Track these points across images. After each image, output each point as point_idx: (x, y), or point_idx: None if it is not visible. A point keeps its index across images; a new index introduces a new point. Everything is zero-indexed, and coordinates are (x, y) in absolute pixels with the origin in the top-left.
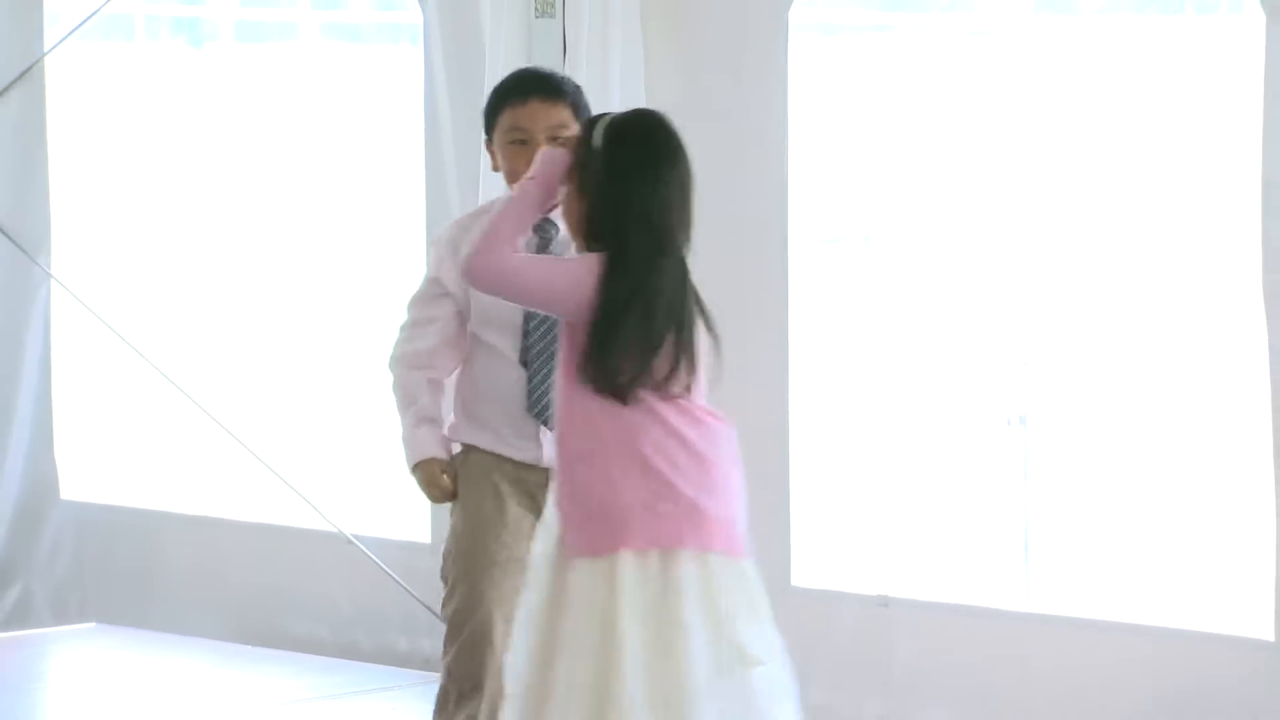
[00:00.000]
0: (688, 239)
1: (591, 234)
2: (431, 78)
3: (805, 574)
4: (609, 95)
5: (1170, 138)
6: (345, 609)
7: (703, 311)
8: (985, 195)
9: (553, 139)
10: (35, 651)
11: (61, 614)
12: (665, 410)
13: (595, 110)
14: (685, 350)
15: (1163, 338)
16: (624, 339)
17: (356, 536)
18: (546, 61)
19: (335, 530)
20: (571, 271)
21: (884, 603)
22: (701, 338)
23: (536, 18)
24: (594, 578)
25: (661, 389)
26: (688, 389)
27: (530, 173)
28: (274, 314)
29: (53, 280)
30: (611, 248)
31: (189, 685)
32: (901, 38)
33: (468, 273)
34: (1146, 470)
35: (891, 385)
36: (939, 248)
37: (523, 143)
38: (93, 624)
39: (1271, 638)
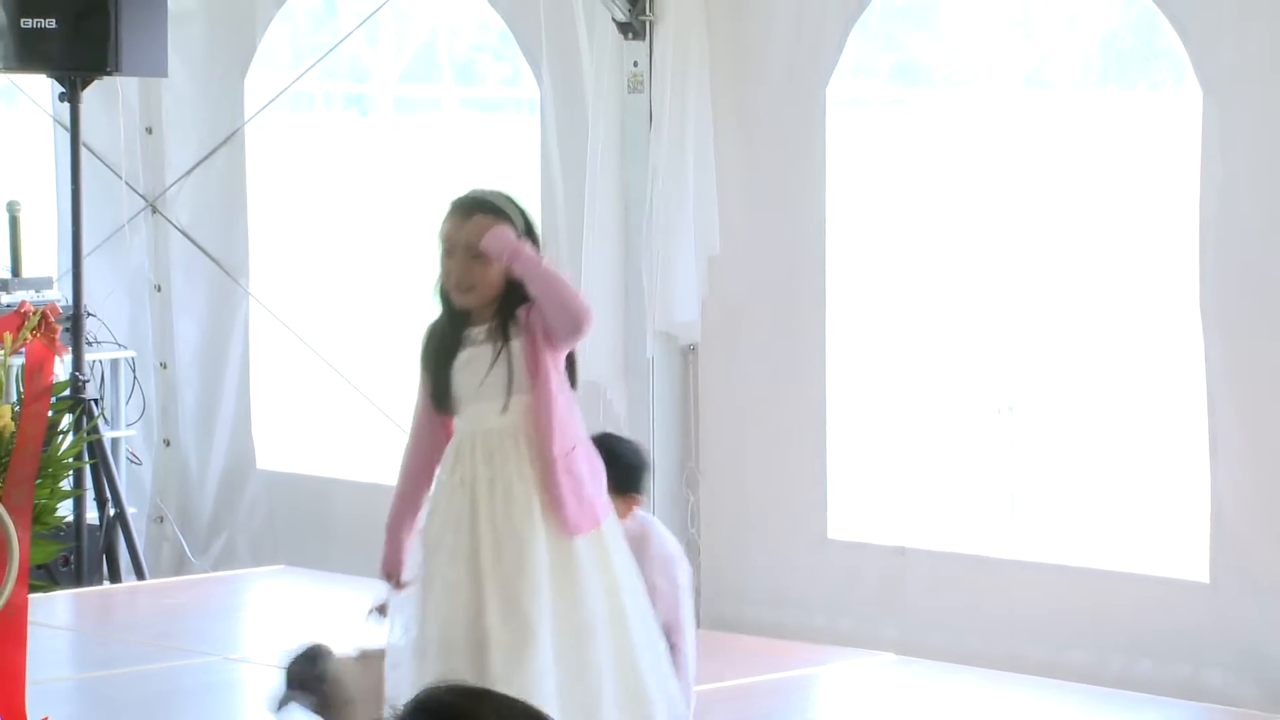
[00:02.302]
0: None
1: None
2: (546, 141)
3: (839, 528)
4: (685, 153)
5: (1127, 186)
6: None
7: None
8: (981, 231)
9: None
10: (237, 587)
11: (258, 558)
12: None
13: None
14: None
15: (1120, 341)
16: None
17: None
18: (634, 127)
19: None
20: None
21: (901, 552)
22: None
23: (629, 93)
24: (592, 546)
25: None
26: None
27: (525, 251)
28: (415, 322)
29: (251, 298)
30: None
31: (358, 614)
32: (915, 108)
33: (589, 318)
34: (1106, 445)
35: (909, 376)
36: (944, 270)
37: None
38: (282, 566)
39: (1206, 580)
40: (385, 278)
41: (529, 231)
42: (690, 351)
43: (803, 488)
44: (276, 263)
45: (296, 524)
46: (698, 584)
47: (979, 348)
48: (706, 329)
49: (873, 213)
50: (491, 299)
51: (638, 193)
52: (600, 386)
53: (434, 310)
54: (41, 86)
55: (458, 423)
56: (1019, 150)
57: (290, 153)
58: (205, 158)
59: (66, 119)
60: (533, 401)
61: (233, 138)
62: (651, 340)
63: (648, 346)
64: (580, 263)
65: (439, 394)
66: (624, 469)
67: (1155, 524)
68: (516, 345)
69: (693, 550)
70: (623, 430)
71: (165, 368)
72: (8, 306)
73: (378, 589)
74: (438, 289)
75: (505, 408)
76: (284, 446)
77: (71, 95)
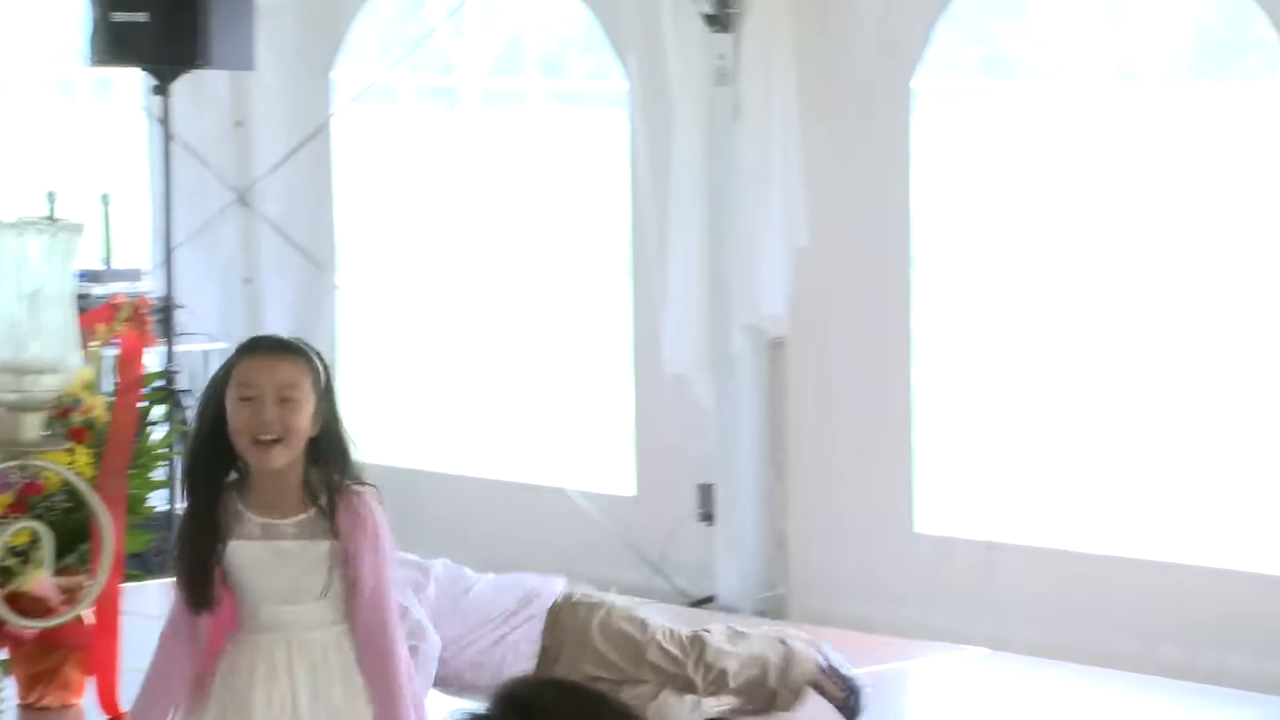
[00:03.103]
0: None
1: None
2: (633, 134)
3: (926, 523)
4: (771, 145)
5: (1219, 179)
6: (565, 546)
7: None
8: (1068, 224)
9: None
10: None
11: None
12: None
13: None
14: None
15: (1211, 335)
16: None
17: (573, 490)
18: (721, 120)
19: (555, 487)
20: None
21: (989, 547)
22: None
23: (715, 86)
24: None
25: None
26: None
27: None
28: (501, 314)
29: (339, 290)
30: None
31: None
32: (1003, 100)
33: None
34: (1199, 439)
35: (995, 369)
36: (1031, 262)
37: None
38: None
39: None
40: (472, 270)
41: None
42: (777, 345)
43: (890, 482)
44: (364, 255)
45: (385, 514)
46: (787, 577)
47: (1066, 341)
48: (794, 322)
49: (959, 205)
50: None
51: (724, 186)
52: (687, 380)
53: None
54: (133, 80)
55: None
56: (1108, 143)
57: (377, 145)
58: (293, 151)
59: (158, 112)
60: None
61: (320, 131)
62: (739, 333)
63: (735, 339)
64: (666, 256)
65: None
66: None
67: (1250, 519)
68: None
69: (781, 543)
70: (709, 424)
71: None
72: (100, 298)
73: None
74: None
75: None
76: (371, 438)
77: (162, 89)
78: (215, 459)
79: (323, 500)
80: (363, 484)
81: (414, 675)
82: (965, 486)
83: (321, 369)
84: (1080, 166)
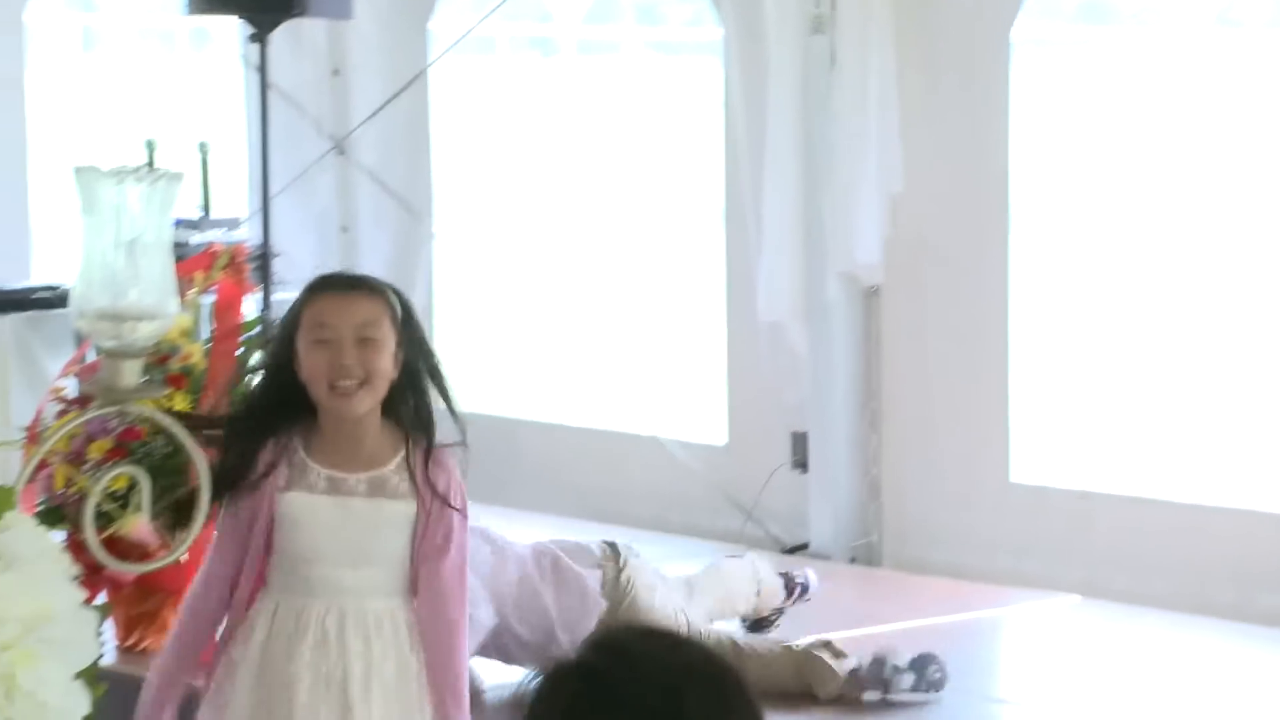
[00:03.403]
0: None
1: None
2: (728, 82)
3: (1021, 473)
4: (867, 93)
5: None
6: (659, 494)
7: None
8: (1166, 172)
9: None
10: None
11: None
12: None
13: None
14: None
15: None
16: None
17: (666, 439)
18: (817, 68)
19: (649, 435)
20: None
21: (1085, 497)
22: None
23: (811, 35)
24: None
25: None
26: None
27: None
28: (596, 263)
29: (434, 238)
30: None
31: None
32: (1101, 48)
33: None
34: None
35: (1091, 318)
36: (1128, 211)
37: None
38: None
39: None
40: (568, 218)
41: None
42: (872, 293)
43: (985, 431)
44: (461, 204)
45: (482, 464)
46: (880, 525)
47: (1164, 289)
48: (889, 270)
49: (1056, 153)
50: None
51: (819, 134)
52: (782, 328)
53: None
54: (231, 29)
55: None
56: (1208, 90)
57: (474, 95)
58: (390, 100)
59: (255, 61)
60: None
61: (417, 80)
62: (833, 281)
63: (830, 288)
64: (760, 204)
65: None
66: None
67: None
68: None
69: (874, 491)
70: (803, 372)
71: None
72: (198, 246)
73: (565, 526)
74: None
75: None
76: (467, 386)
77: (260, 37)
78: (276, 407)
79: (406, 456)
80: (448, 443)
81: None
82: (1061, 436)
83: (399, 305)
84: (1178, 115)
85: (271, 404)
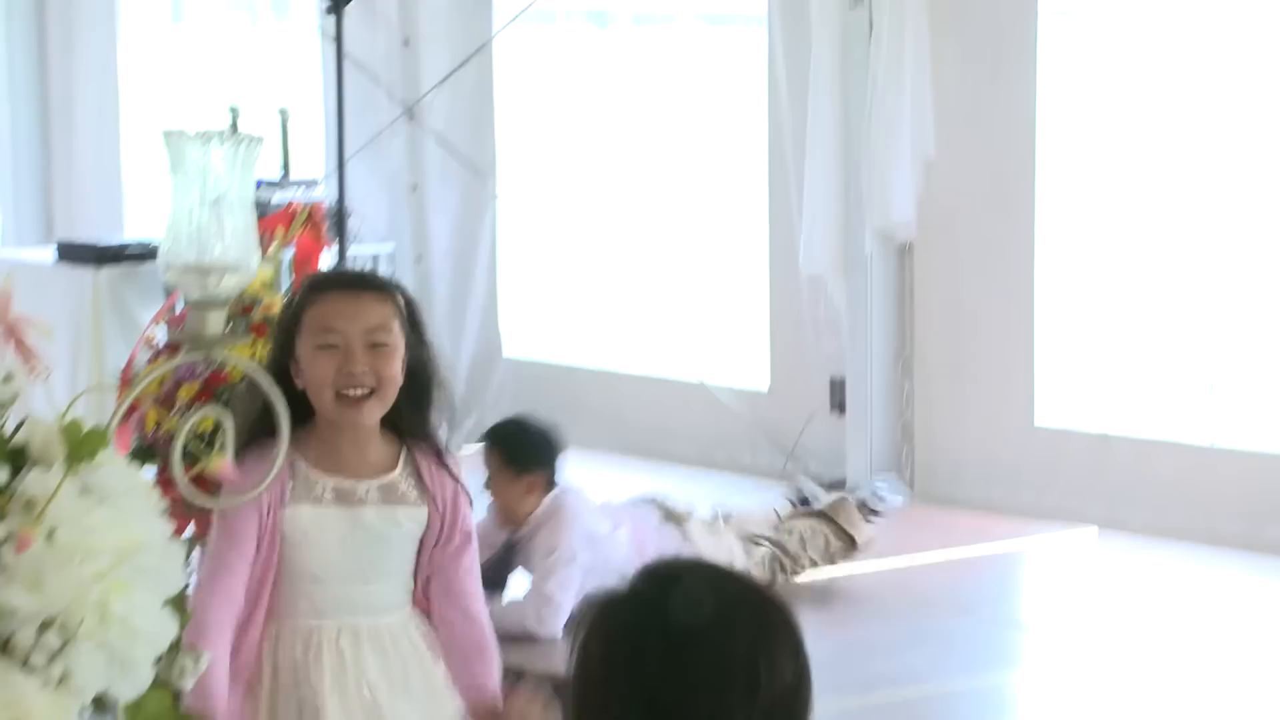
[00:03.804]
0: None
1: None
2: (772, 53)
3: (1045, 416)
4: (902, 62)
5: None
6: (706, 436)
7: None
8: (1187, 128)
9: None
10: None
11: None
12: None
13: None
14: None
15: None
16: None
17: (713, 384)
18: (855, 39)
19: (697, 381)
20: None
21: (1103, 438)
22: None
23: (850, 9)
24: None
25: None
26: None
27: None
28: (649, 222)
29: (497, 198)
30: None
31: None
32: (1127, 13)
33: None
34: None
35: (1113, 268)
36: (1149, 165)
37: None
38: None
39: None
40: (623, 180)
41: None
42: (906, 249)
43: (1011, 377)
44: (522, 166)
45: (539, 407)
46: (912, 463)
47: (1179, 248)
48: (921, 227)
49: (1081, 117)
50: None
51: (858, 100)
52: (822, 281)
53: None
54: (309, 3)
55: None
56: (1231, 53)
57: (535, 63)
58: (457, 68)
59: (331, 32)
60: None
61: (482, 50)
62: (870, 238)
63: (866, 244)
64: (803, 166)
65: None
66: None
67: None
68: None
69: (908, 432)
70: (841, 322)
71: (420, 261)
72: (279, 205)
73: (620, 466)
74: None
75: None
76: (528, 336)
77: (335, 9)
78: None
79: (415, 459)
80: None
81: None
82: (1082, 382)
83: (405, 303)
84: (1199, 77)
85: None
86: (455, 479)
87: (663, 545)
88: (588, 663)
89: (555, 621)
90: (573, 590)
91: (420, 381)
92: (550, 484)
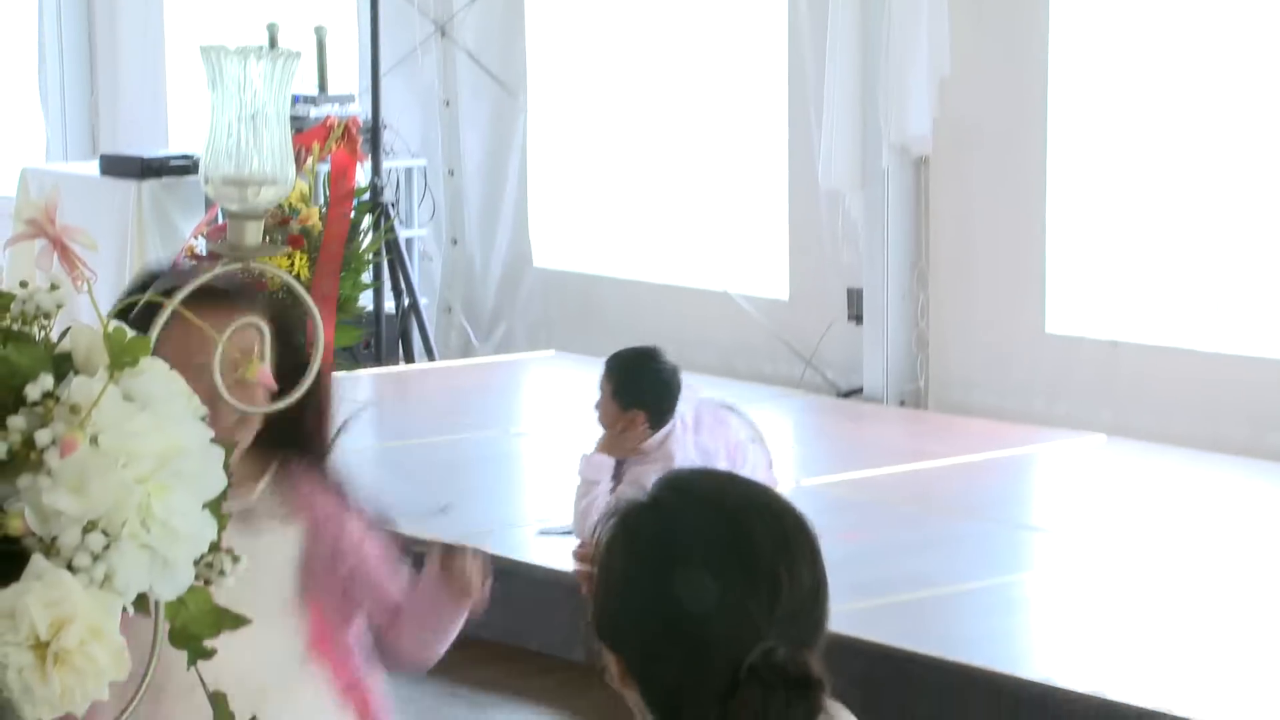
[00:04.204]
0: None
1: None
2: None
3: (1056, 324)
4: (918, 26)
5: None
6: (727, 344)
7: None
8: (1199, 40)
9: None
10: (515, 371)
11: (534, 345)
12: None
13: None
14: None
15: None
16: None
17: (734, 293)
18: None
19: (721, 289)
20: None
21: (1112, 345)
22: None
23: None
24: None
25: None
26: None
27: None
28: (672, 136)
29: (526, 113)
30: None
31: None
32: None
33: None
34: None
35: (1122, 180)
36: (1160, 77)
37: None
38: (554, 352)
39: None
40: (647, 95)
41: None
42: (922, 163)
43: (1022, 286)
44: (552, 81)
45: (567, 316)
46: (926, 372)
47: (1191, 147)
48: (937, 142)
49: (1093, 36)
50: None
51: (875, 18)
52: (840, 195)
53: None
54: None
55: None
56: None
57: None
58: None
59: None
60: None
61: None
62: (887, 152)
63: (883, 158)
64: (823, 82)
65: None
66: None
67: None
68: None
69: (922, 342)
70: (858, 234)
71: (453, 175)
72: (315, 119)
73: None
74: None
75: None
76: (557, 246)
77: None
78: None
79: (280, 473)
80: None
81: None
82: (1092, 291)
83: (267, 303)
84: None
85: None
86: (339, 492)
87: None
88: (610, 572)
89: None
90: None
91: (291, 379)
92: (656, 422)
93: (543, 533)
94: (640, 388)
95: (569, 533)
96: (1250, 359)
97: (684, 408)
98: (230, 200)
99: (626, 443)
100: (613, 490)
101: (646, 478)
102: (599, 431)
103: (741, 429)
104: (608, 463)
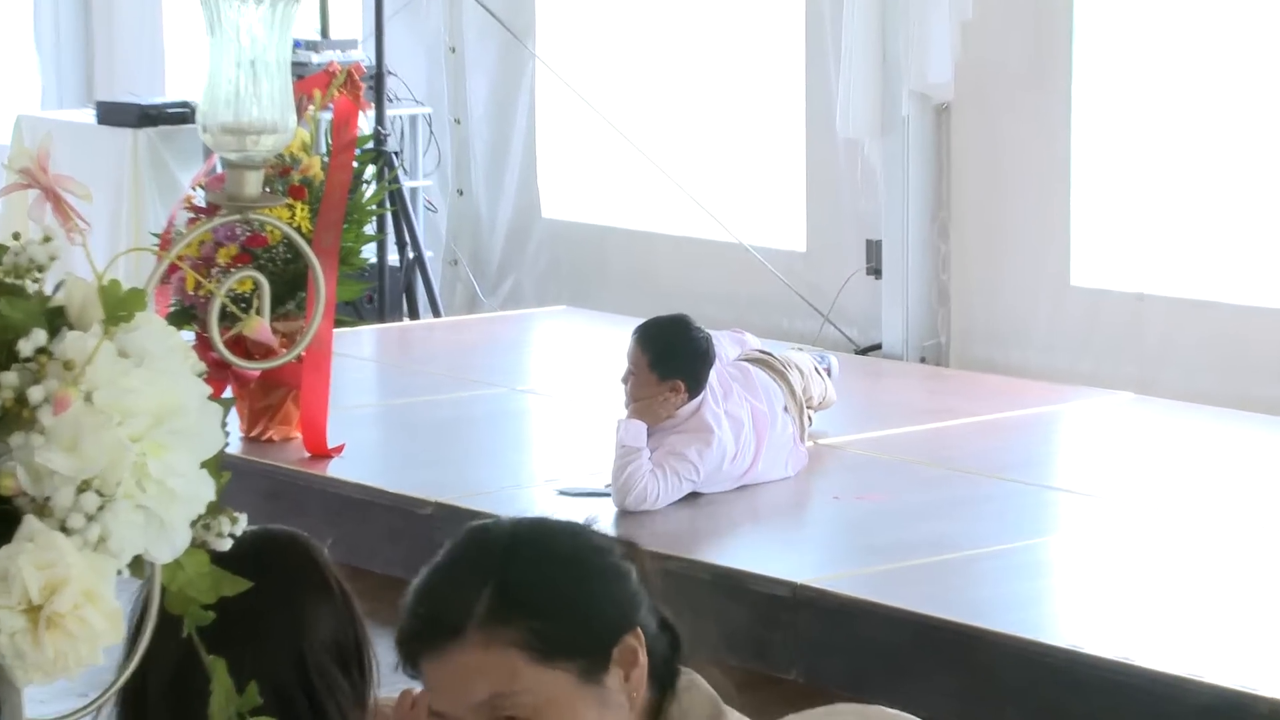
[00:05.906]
0: None
1: None
2: None
3: (1081, 276)
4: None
5: None
6: (743, 297)
7: None
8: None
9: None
10: (522, 325)
11: (541, 299)
12: None
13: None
14: None
15: None
16: None
17: (750, 246)
18: None
19: (736, 241)
20: None
21: (1139, 298)
22: None
23: None
24: None
25: None
26: None
27: None
28: (688, 85)
29: (537, 59)
30: None
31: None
32: None
33: None
34: None
35: (1147, 130)
36: (1186, 29)
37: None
38: (563, 307)
39: None
40: (660, 42)
41: None
42: (943, 110)
43: (1047, 238)
44: (561, 27)
45: (577, 268)
46: (948, 327)
47: (1218, 97)
48: (958, 89)
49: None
50: None
51: None
52: (859, 143)
53: None
54: None
55: None
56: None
57: None
58: None
59: None
60: None
61: None
62: (907, 100)
63: (903, 105)
64: (841, 28)
65: None
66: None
67: None
68: None
69: (944, 295)
70: (878, 184)
71: (459, 123)
72: (317, 66)
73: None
74: None
75: None
76: (566, 197)
77: None
78: None
79: None
80: None
81: None
82: (1117, 243)
83: None
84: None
85: None
86: None
87: (778, 442)
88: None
89: (634, 500)
90: (669, 496)
91: None
92: (694, 391)
93: (563, 492)
94: (679, 358)
95: (592, 493)
96: (1278, 312)
97: (712, 375)
98: (229, 149)
99: (662, 410)
100: (650, 458)
101: (685, 446)
102: (611, 388)
103: (777, 395)
104: (644, 429)
